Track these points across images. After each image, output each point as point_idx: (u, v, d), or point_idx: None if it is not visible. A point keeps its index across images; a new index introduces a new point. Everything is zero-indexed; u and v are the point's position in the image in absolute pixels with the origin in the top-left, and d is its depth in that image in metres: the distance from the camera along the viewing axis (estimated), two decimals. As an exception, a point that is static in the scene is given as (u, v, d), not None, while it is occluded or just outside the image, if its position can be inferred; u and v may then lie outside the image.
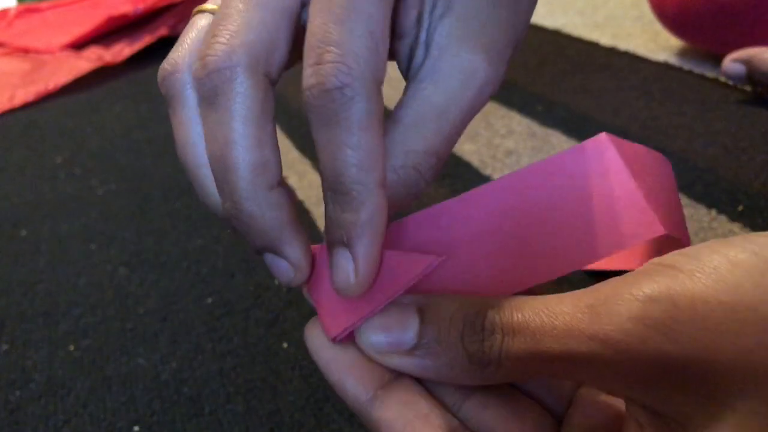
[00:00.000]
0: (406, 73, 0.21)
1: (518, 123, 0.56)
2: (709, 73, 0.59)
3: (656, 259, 0.15)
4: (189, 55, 0.20)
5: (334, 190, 0.18)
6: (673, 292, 0.14)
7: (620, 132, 0.52)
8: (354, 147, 0.17)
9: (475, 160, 0.52)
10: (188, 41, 0.20)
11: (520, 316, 0.16)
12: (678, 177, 0.45)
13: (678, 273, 0.14)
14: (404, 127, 0.19)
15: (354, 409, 0.19)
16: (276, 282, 0.42)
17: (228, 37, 0.18)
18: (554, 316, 0.16)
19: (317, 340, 0.20)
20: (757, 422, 0.13)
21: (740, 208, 0.41)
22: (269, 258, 0.20)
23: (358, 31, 0.17)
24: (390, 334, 0.18)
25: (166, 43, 0.96)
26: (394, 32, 0.20)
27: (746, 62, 0.51)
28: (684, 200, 0.43)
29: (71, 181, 0.62)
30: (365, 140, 0.17)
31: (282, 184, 0.19)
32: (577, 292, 0.16)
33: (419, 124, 0.19)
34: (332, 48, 0.17)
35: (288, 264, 0.19)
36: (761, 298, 0.13)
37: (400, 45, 0.21)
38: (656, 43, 0.68)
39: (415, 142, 0.19)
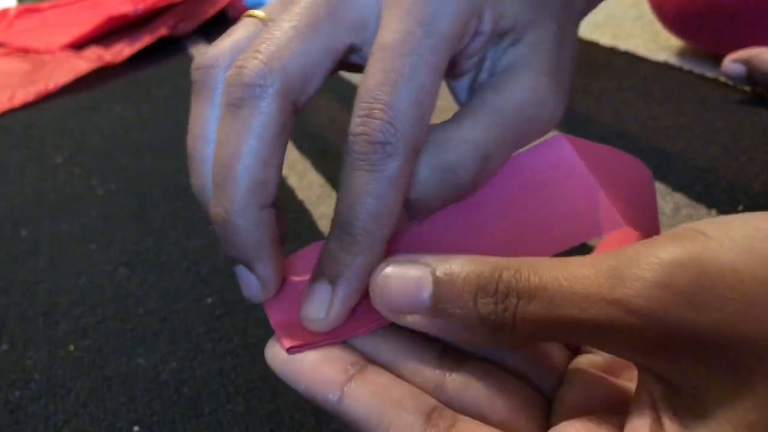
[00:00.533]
0: (465, 101, 0.22)
1: (518, 123, 0.56)
2: (709, 73, 0.59)
3: (686, 224, 0.15)
4: (230, 55, 0.20)
5: (342, 229, 0.19)
6: (702, 258, 0.13)
7: (620, 132, 0.52)
8: (377, 197, 0.18)
9: (475, 160, 0.52)
10: (233, 42, 0.21)
11: (537, 279, 0.16)
12: (678, 177, 0.45)
13: (708, 239, 0.14)
14: (452, 121, 0.20)
15: (330, 413, 0.19)
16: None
17: (269, 55, 0.19)
18: (573, 279, 0.15)
19: (278, 357, 0.20)
20: None
21: (740, 207, 0.41)
22: (240, 270, 0.20)
23: (410, 98, 0.18)
24: (405, 295, 0.18)
25: (166, 43, 0.96)
26: (455, 73, 0.22)
27: (746, 62, 0.51)
28: (684, 200, 0.43)
29: (71, 181, 0.62)
30: (389, 196, 0.18)
31: (274, 204, 0.20)
32: (599, 254, 0.15)
33: (468, 117, 0.20)
34: (384, 108, 0.18)
35: (257, 281, 0.20)
36: None
37: (459, 82, 0.22)
38: (656, 43, 0.68)
39: (460, 132, 0.19)
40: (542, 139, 0.21)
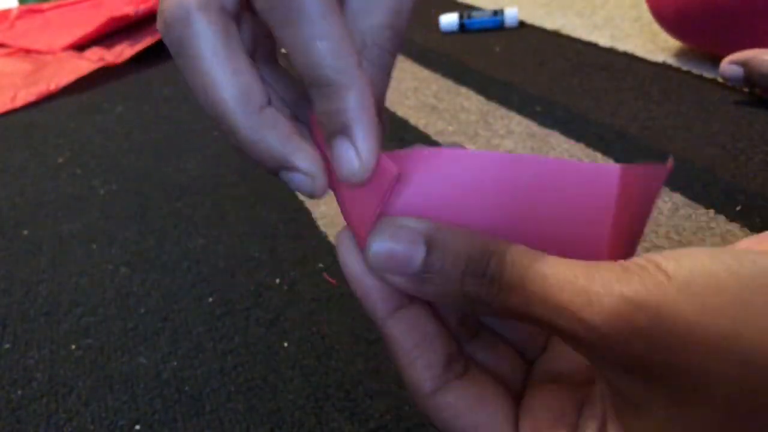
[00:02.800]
0: None
1: (517, 123, 0.57)
2: (708, 74, 0.59)
3: (651, 256, 0.16)
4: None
5: (315, 84, 0.19)
6: (660, 305, 0.15)
7: (619, 132, 0.52)
8: (322, 37, 0.18)
9: (474, 161, 0.52)
10: None
11: (519, 275, 0.17)
12: (676, 177, 0.45)
13: (669, 283, 0.15)
14: (353, 12, 0.20)
15: (373, 321, 0.21)
16: (277, 281, 0.42)
17: None
18: (550, 288, 0.17)
19: (348, 254, 0.20)
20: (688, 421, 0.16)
21: (738, 207, 0.41)
22: (284, 175, 0.20)
23: None
24: (397, 258, 0.18)
25: (167, 44, 0.96)
26: None
27: (744, 64, 0.51)
28: (682, 200, 0.43)
29: (73, 181, 0.62)
30: (330, 27, 0.18)
31: (272, 104, 0.20)
32: (576, 267, 0.17)
33: (365, 5, 0.20)
34: None
35: (302, 175, 0.20)
36: (734, 332, 0.15)
37: None
38: (655, 44, 0.68)
39: (367, 21, 0.20)
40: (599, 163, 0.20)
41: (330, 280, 0.41)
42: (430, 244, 0.18)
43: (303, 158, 0.20)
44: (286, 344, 0.37)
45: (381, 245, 0.19)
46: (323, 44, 0.18)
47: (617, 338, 0.15)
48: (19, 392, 0.37)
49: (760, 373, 0.15)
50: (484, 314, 0.20)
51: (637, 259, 0.16)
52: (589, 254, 0.19)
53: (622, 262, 0.16)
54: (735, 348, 0.15)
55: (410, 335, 0.20)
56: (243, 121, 0.19)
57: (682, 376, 0.15)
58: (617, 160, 0.48)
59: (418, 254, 0.18)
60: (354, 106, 0.18)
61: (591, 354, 0.17)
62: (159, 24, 0.20)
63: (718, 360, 0.15)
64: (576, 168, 0.19)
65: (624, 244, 0.20)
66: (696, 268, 0.15)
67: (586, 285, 0.16)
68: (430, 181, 0.20)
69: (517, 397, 0.21)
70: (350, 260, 0.20)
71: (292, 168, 0.20)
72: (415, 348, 0.20)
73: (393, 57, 0.20)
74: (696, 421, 0.16)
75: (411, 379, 0.20)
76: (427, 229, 0.19)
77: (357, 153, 0.19)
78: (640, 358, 0.15)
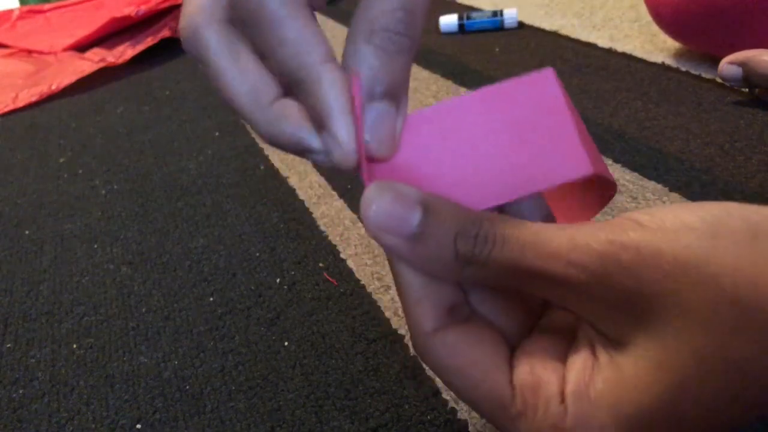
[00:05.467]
0: None
1: (517, 124, 0.57)
2: (706, 75, 0.59)
3: (627, 214, 0.19)
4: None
5: (290, 84, 0.21)
6: (639, 245, 0.17)
7: (618, 132, 0.52)
8: (284, 42, 0.20)
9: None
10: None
11: (512, 231, 0.19)
12: (675, 177, 0.46)
13: (645, 228, 0.18)
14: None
15: (388, 260, 0.22)
16: (278, 281, 0.42)
17: (188, 6, 0.22)
18: (543, 239, 0.19)
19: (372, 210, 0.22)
20: (672, 344, 0.17)
21: (736, 208, 0.42)
22: (308, 156, 0.22)
23: None
24: (395, 217, 0.20)
25: (169, 45, 0.96)
26: None
27: (742, 64, 0.51)
28: (680, 200, 0.43)
29: (74, 181, 0.62)
30: (291, 32, 0.20)
31: (285, 95, 0.22)
32: (564, 225, 0.19)
33: None
34: None
35: (321, 155, 0.21)
36: (705, 260, 0.17)
37: None
38: (653, 44, 0.68)
39: (378, 6, 0.20)
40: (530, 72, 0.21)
41: (330, 279, 0.41)
42: (425, 209, 0.20)
43: (316, 140, 0.21)
44: (286, 343, 0.37)
45: (381, 205, 0.20)
46: (286, 48, 0.20)
47: (605, 275, 0.17)
48: (21, 391, 0.37)
49: (730, 293, 0.16)
50: (475, 282, 0.21)
51: (616, 218, 0.19)
52: (574, 166, 0.20)
53: (598, 223, 0.19)
54: (705, 271, 0.16)
55: (421, 276, 0.21)
56: (257, 116, 0.22)
57: (661, 302, 0.17)
58: (616, 160, 0.49)
59: (415, 216, 0.20)
60: (323, 99, 0.20)
61: (582, 296, 0.18)
62: (181, 40, 0.23)
63: (691, 283, 0.16)
64: (516, 83, 0.21)
65: (592, 154, 0.21)
66: (667, 216, 0.18)
67: (575, 234, 0.18)
68: (410, 144, 0.22)
69: (513, 348, 0.22)
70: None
71: (309, 150, 0.21)
72: (424, 287, 0.21)
73: (408, 39, 0.21)
74: (673, 352, 0.17)
75: (415, 317, 0.21)
76: (424, 196, 0.20)
77: (338, 142, 0.20)
78: (625, 291, 0.17)
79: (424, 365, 0.34)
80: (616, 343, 0.19)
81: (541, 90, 0.21)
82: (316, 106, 0.20)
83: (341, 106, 0.20)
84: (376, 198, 0.20)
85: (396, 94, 0.21)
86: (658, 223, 0.18)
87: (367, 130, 0.21)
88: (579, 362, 0.20)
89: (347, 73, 0.21)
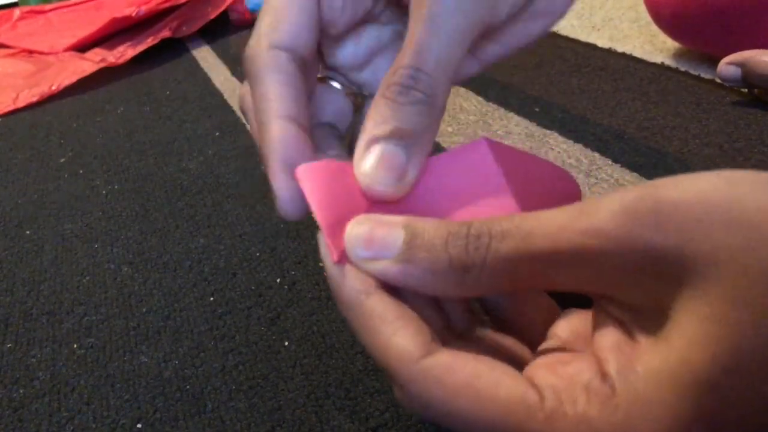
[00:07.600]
0: None
1: (516, 124, 0.57)
2: (705, 75, 0.59)
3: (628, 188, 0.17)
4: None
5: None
6: (657, 194, 0.15)
7: (617, 133, 0.52)
8: (258, 98, 0.22)
9: (473, 161, 0.52)
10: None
11: (509, 223, 0.17)
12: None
13: (657, 186, 0.16)
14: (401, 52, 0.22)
15: (348, 304, 0.20)
16: (278, 281, 0.42)
17: (261, 29, 0.23)
18: (545, 219, 0.17)
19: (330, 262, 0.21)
20: (719, 301, 0.15)
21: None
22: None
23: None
24: (377, 240, 0.19)
25: (169, 45, 0.96)
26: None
27: (742, 65, 0.51)
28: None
29: (75, 181, 0.62)
30: (262, 86, 0.22)
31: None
32: (564, 207, 0.17)
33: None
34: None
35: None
36: (730, 206, 0.15)
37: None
38: (653, 45, 0.68)
39: (393, 65, 0.21)
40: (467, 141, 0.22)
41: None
42: (408, 228, 0.19)
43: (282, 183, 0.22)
44: (286, 343, 0.37)
45: (361, 229, 0.19)
46: (257, 103, 0.22)
47: (626, 233, 0.15)
48: (21, 391, 0.37)
49: (760, 233, 0.14)
50: (479, 290, 0.18)
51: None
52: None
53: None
54: (737, 215, 0.15)
55: (395, 306, 0.19)
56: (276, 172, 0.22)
57: (691, 257, 0.15)
58: (615, 160, 0.49)
59: (398, 235, 0.19)
60: (266, 154, 0.22)
61: (603, 266, 0.16)
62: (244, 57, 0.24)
63: (724, 227, 0.15)
64: (450, 156, 0.22)
65: (549, 192, 0.22)
66: (677, 178, 0.16)
67: (580, 206, 0.16)
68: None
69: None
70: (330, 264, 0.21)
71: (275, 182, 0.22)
72: (401, 317, 0.19)
73: (420, 92, 0.20)
74: (724, 304, 0.15)
75: (397, 349, 0.18)
76: (405, 218, 0.19)
77: (274, 193, 0.21)
78: (653, 246, 0.15)
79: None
80: (651, 311, 0.16)
81: (476, 159, 0.21)
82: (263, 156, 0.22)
83: (276, 164, 0.21)
84: (354, 224, 0.20)
85: (405, 137, 0.20)
86: (670, 181, 0.16)
87: (367, 168, 0.20)
88: (609, 341, 0.17)
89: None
